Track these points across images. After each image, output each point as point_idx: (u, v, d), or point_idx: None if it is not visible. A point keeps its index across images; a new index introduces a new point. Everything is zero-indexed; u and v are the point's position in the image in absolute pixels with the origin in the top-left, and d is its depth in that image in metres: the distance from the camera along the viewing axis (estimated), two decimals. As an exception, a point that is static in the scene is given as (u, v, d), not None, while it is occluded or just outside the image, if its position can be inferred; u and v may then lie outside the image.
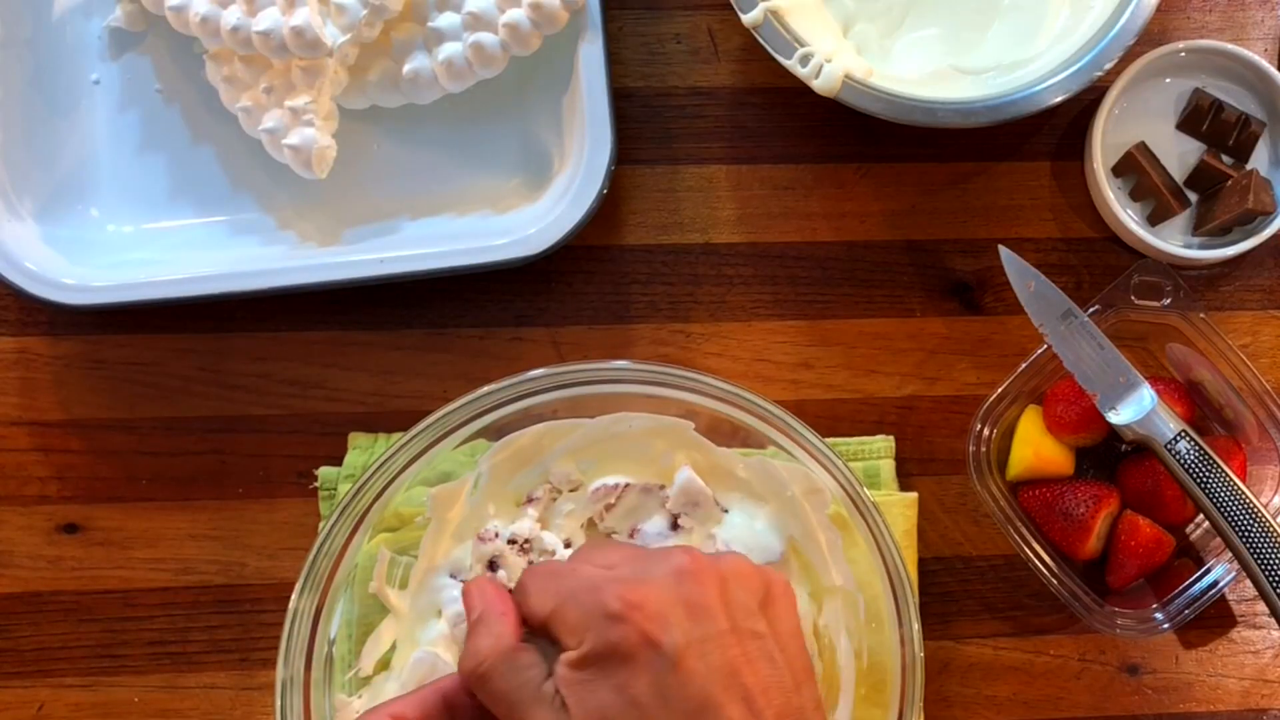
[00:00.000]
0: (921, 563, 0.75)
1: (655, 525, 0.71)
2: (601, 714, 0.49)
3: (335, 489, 0.74)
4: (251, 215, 0.76)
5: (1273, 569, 0.66)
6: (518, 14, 0.71)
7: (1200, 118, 0.75)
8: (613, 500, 0.70)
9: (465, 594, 0.55)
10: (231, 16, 0.70)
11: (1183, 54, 0.76)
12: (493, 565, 0.69)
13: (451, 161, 0.77)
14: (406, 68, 0.73)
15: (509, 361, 0.76)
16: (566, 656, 0.50)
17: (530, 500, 0.71)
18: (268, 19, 0.70)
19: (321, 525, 0.69)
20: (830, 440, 0.69)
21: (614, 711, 0.48)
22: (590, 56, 0.73)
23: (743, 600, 0.51)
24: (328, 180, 0.74)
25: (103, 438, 0.75)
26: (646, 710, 0.48)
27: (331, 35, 0.70)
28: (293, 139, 0.71)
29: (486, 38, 0.72)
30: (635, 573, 0.51)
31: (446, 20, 0.72)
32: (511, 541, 0.69)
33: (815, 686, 0.52)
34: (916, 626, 0.65)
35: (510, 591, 0.55)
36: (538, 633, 0.53)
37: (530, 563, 0.69)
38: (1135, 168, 0.75)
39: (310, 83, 0.71)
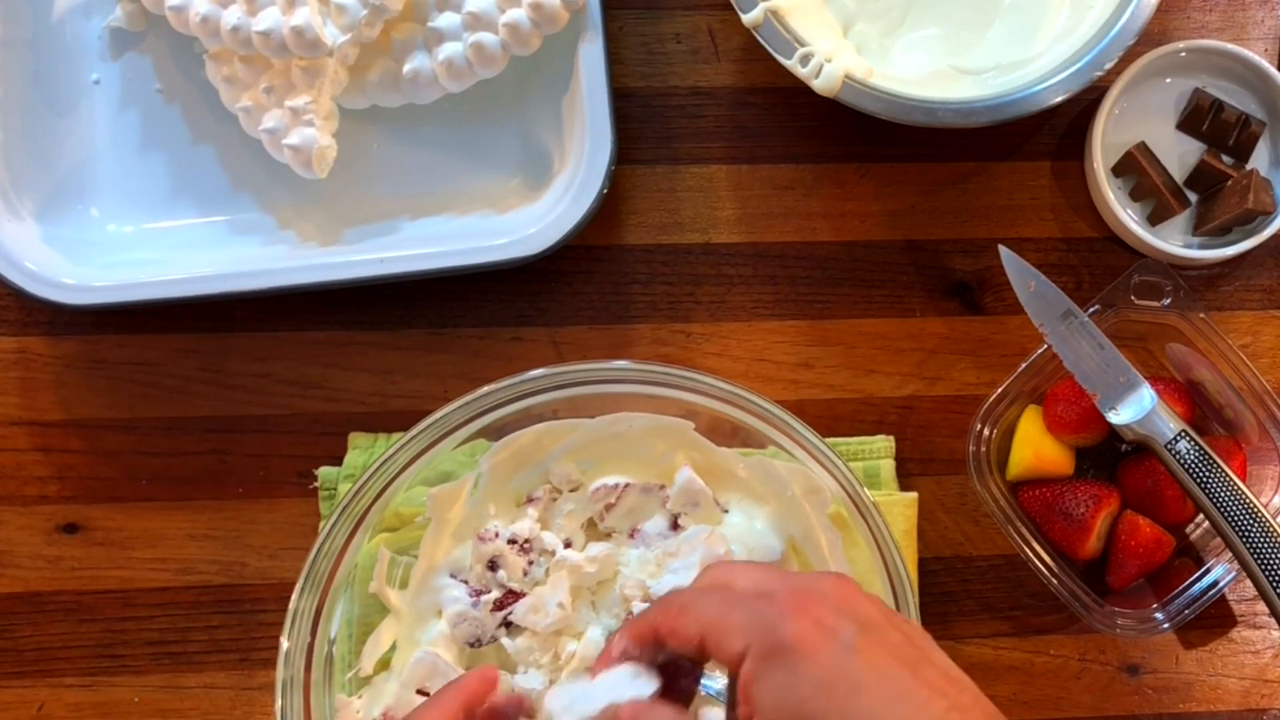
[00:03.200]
0: (921, 563, 0.75)
1: (655, 525, 0.71)
2: (798, 707, 0.47)
3: (335, 489, 0.74)
4: (251, 215, 0.76)
5: (1273, 569, 0.66)
6: (518, 14, 0.71)
7: (1200, 118, 0.75)
8: (613, 500, 0.70)
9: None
10: (232, 16, 0.70)
11: (1183, 54, 0.76)
12: (493, 565, 0.69)
13: (451, 161, 0.77)
14: (406, 68, 0.73)
15: (509, 361, 0.76)
16: (748, 671, 0.48)
17: (530, 500, 0.71)
18: (268, 19, 0.70)
19: (321, 525, 0.69)
20: (830, 440, 0.69)
21: (811, 700, 0.47)
22: (590, 56, 0.73)
23: (897, 620, 0.50)
24: (328, 180, 0.74)
25: (103, 438, 0.75)
26: (840, 695, 0.46)
27: (331, 35, 0.70)
28: (293, 139, 0.71)
29: (487, 38, 0.72)
30: (796, 584, 0.50)
31: (446, 20, 0.72)
32: (511, 541, 0.69)
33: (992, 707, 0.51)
34: (917, 626, 0.65)
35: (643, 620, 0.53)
36: (680, 654, 0.52)
37: (530, 563, 0.69)
38: (1135, 168, 0.75)
39: (310, 83, 0.71)
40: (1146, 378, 0.70)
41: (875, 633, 0.48)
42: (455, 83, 0.73)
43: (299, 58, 0.71)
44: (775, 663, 0.48)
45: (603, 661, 0.54)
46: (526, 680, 0.68)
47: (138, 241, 0.75)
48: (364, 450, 0.75)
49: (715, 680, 0.67)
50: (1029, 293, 0.71)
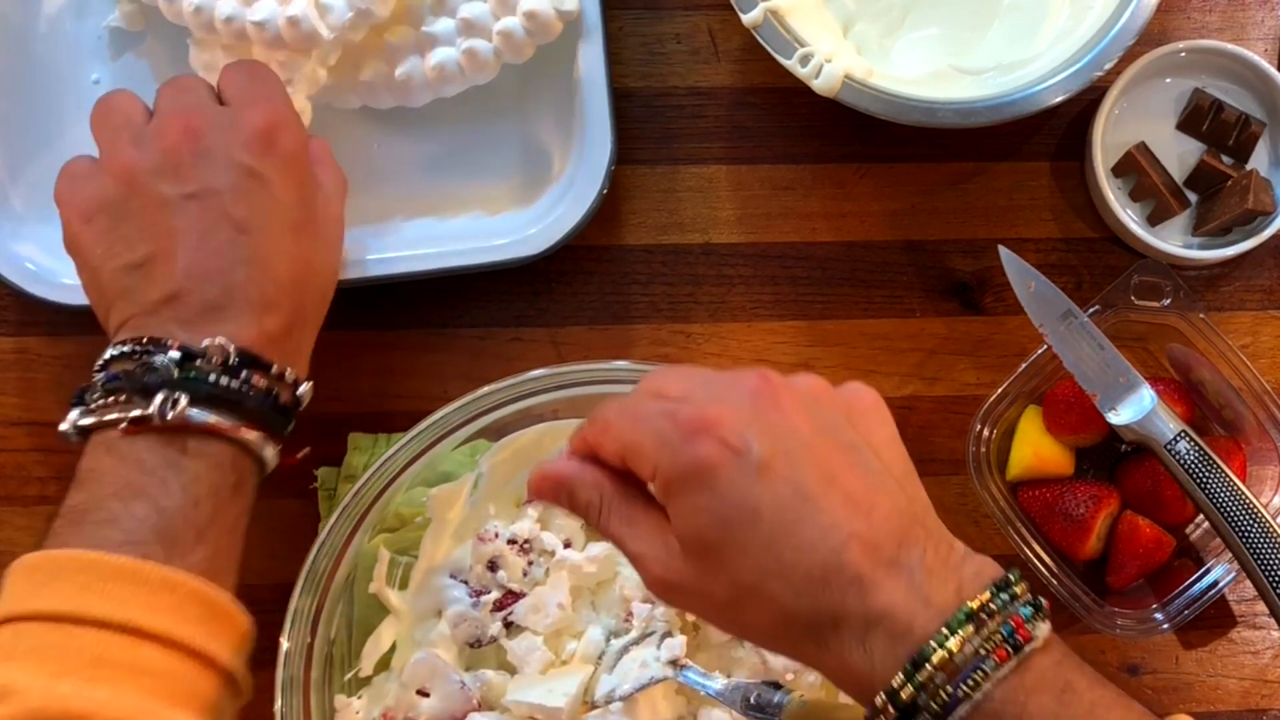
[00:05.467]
0: (921, 563, 0.75)
1: (655, 525, 0.71)
2: (696, 530, 0.46)
3: (335, 489, 0.74)
4: (251, 215, 0.76)
5: (1273, 569, 0.66)
6: (512, 22, 0.71)
7: (1200, 118, 0.75)
8: (613, 500, 0.70)
9: (534, 484, 0.53)
10: (226, 7, 0.70)
11: (1183, 54, 0.75)
12: (493, 565, 0.69)
13: (452, 161, 0.77)
14: (399, 70, 0.72)
15: (509, 361, 0.76)
16: (660, 492, 0.48)
17: (530, 500, 0.71)
18: (263, 9, 0.70)
19: (321, 525, 0.69)
20: (830, 440, 0.69)
21: (707, 525, 0.46)
22: (590, 56, 0.73)
23: (827, 416, 0.48)
24: (328, 180, 0.73)
25: (103, 438, 0.75)
26: (737, 525, 0.45)
27: (329, 26, 0.70)
28: None
29: (480, 44, 0.71)
30: (709, 396, 0.48)
31: (441, 25, 0.72)
32: (511, 542, 0.69)
33: (921, 489, 0.50)
34: (916, 626, 0.65)
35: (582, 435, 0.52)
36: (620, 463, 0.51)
37: (530, 563, 0.69)
38: (1135, 168, 0.75)
39: (285, 78, 0.71)
40: (1146, 378, 0.70)
41: (787, 447, 0.46)
42: (447, 87, 0.73)
43: (283, 51, 0.70)
44: (681, 488, 0.46)
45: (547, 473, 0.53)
46: (527, 681, 0.68)
47: (138, 241, 0.75)
48: (364, 450, 0.75)
49: (714, 680, 0.67)
50: (1029, 293, 0.71)
